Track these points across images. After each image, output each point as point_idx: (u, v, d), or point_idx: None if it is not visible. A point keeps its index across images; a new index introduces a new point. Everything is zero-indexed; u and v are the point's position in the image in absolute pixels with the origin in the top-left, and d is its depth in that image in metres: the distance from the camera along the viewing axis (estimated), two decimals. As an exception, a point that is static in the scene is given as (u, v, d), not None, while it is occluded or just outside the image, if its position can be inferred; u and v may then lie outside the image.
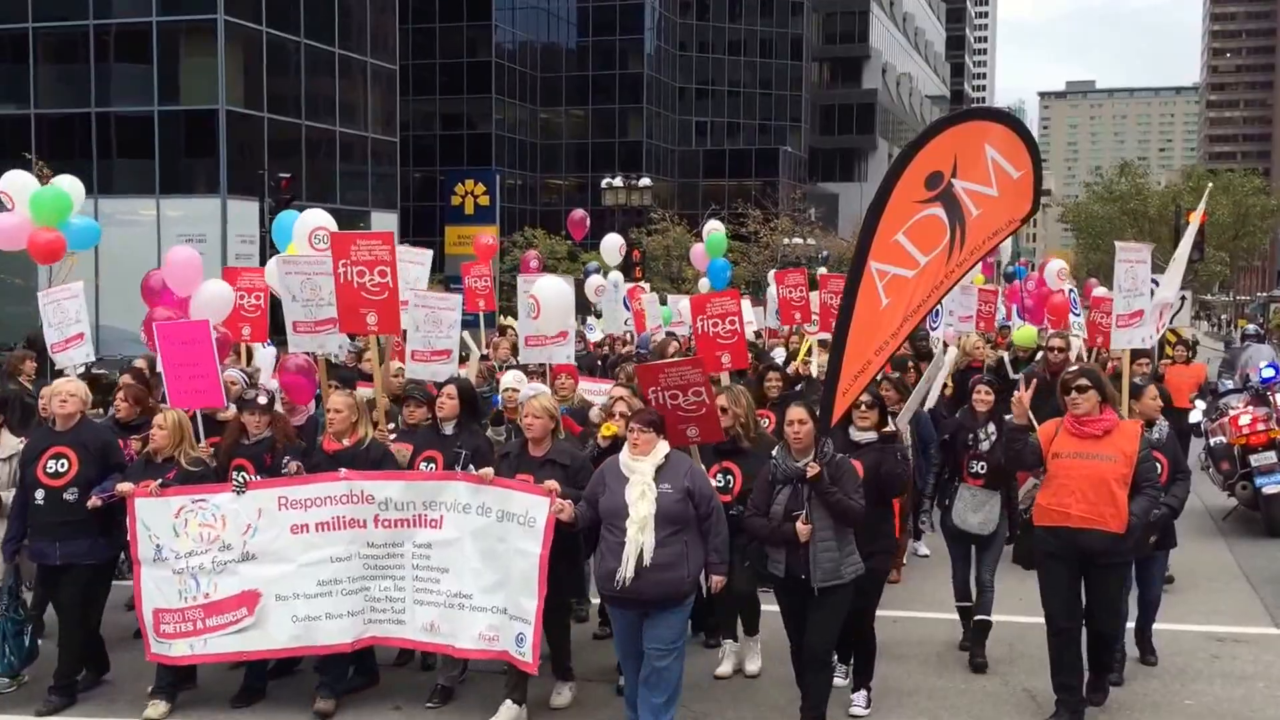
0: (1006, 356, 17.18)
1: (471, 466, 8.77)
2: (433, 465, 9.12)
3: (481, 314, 18.65)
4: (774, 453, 8.14)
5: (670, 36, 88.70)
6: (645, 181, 52.00)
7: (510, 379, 11.40)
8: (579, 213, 36.07)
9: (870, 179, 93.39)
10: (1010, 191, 7.80)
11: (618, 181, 49.57)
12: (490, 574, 8.44)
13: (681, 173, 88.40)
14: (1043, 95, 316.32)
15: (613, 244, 27.22)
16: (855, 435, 8.77)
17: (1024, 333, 18.77)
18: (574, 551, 8.84)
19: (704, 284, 23.12)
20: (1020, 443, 8.45)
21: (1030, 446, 8.41)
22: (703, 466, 8.85)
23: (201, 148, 46.66)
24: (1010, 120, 8.09)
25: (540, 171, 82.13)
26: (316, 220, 12.11)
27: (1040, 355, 15.28)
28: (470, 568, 8.51)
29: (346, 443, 9.04)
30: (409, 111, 65.72)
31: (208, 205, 45.34)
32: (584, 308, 24.69)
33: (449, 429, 9.29)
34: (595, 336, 22.91)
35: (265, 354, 13.56)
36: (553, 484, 8.24)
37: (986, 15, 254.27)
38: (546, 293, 12.19)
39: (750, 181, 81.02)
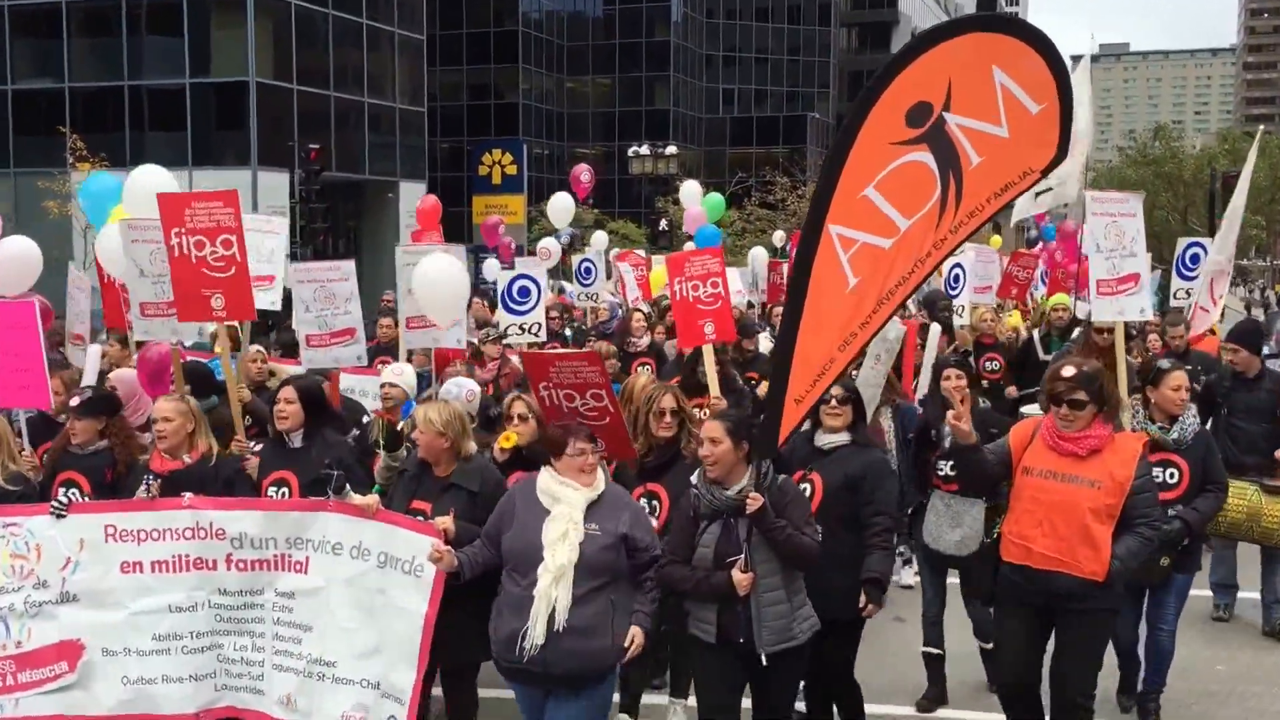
0: (1037, 334, 14.45)
1: (349, 490, 6.76)
2: (285, 491, 7.29)
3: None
4: (693, 479, 6.38)
5: (697, 3, 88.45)
6: (672, 149, 52.17)
7: (390, 372, 9.41)
8: (581, 168, 32.75)
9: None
10: (1026, 132, 5.73)
11: (644, 150, 49.80)
12: (363, 636, 6.72)
13: (708, 141, 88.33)
14: (1074, 59, 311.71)
15: (561, 205, 25.21)
16: (822, 439, 7.09)
17: (1052, 302, 15.72)
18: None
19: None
20: (971, 461, 6.71)
21: (991, 457, 6.66)
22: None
23: (232, 120, 47.16)
24: (1029, 33, 5.80)
25: (567, 140, 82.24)
26: (156, 180, 9.28)
27: (1079, 333, 12.72)
28: (338, 627, 6.77)
29: (187, 459, 7.39)
30: (436, 82, 65.97)
31: (239, 177, 45.66)
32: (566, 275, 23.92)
33: (296, 441, 7.44)
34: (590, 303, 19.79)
35: (91, 351, 10.72)
36: (445, 521, 6.52)
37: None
38: (431, 272, 10.15)
39: (778, 149, 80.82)
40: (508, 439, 7.31)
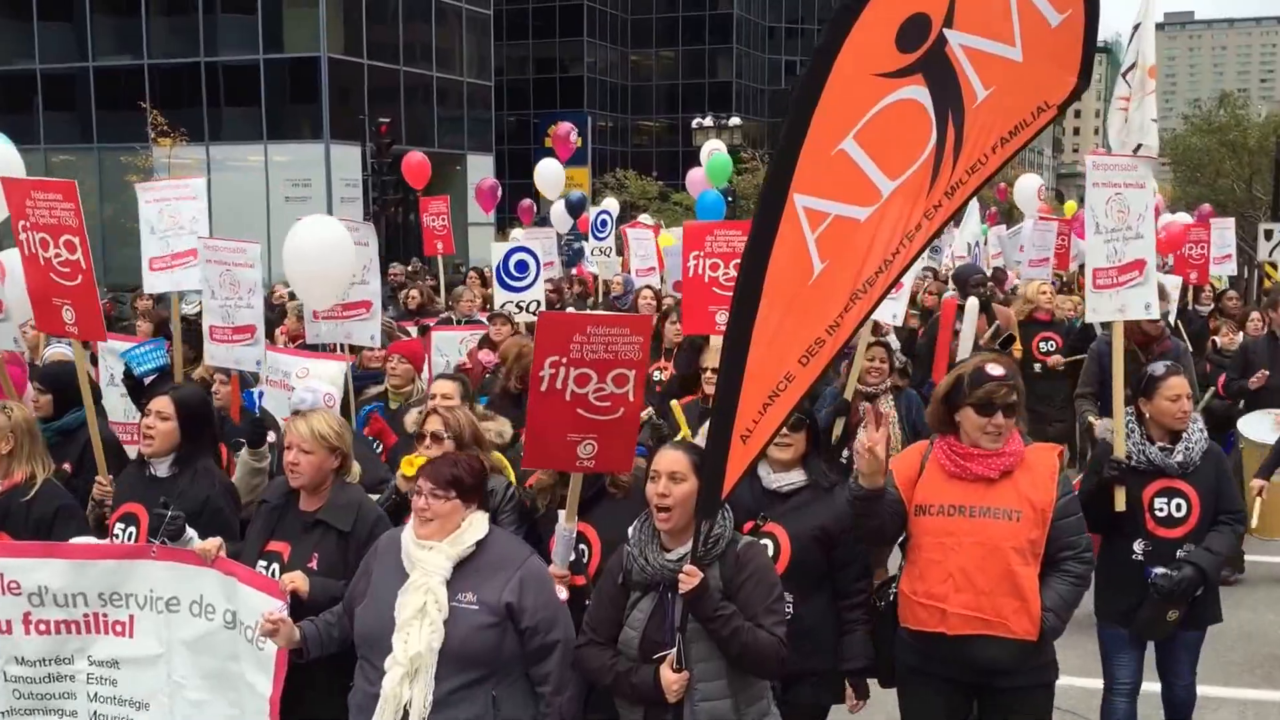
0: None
1: (192, 534, 5.37)
2: (133, 532, 5.76)
3: (440, 258, 16.51)
4: (630, 531, 4.79)
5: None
6: (735, 121, 52.54)
7: (295, 376, 8.19)
8: (565, 126, 28.90)
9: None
10: (1044, 52, 4.38)
11: (708, 121, 50.20)
12: (215, 713, 5.38)
13: (771, 112, 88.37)
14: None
15: (550, 171, 22.17)
16: (773, 478, 5.42)
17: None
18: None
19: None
20: (875, 512, 5.02)
21: (888, 508, 5.05)
22: (570, 533, 5.28)
23: (305, 94, 48.00)
24: None
25: (631, 113, 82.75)
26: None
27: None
28: (186, 701, 5.42)
29: None
30: (503, 56, 66.67)
31: (312, 150, 46.75)
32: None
33: (162, 469, 5.85)
34: (605, 274, 17.87)
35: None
36: (293, 579, 5.05)
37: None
38: (310, 244, 8.47)
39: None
40: (411, 465, 5.45)
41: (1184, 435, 6.06)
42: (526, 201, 25.03)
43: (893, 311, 9.11)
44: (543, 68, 77.58)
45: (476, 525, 4.67)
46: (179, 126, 41.18)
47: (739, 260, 7.33)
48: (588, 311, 10.44)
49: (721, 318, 7.93)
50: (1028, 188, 24.49)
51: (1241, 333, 12.38)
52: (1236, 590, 9.52)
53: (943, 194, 4.43)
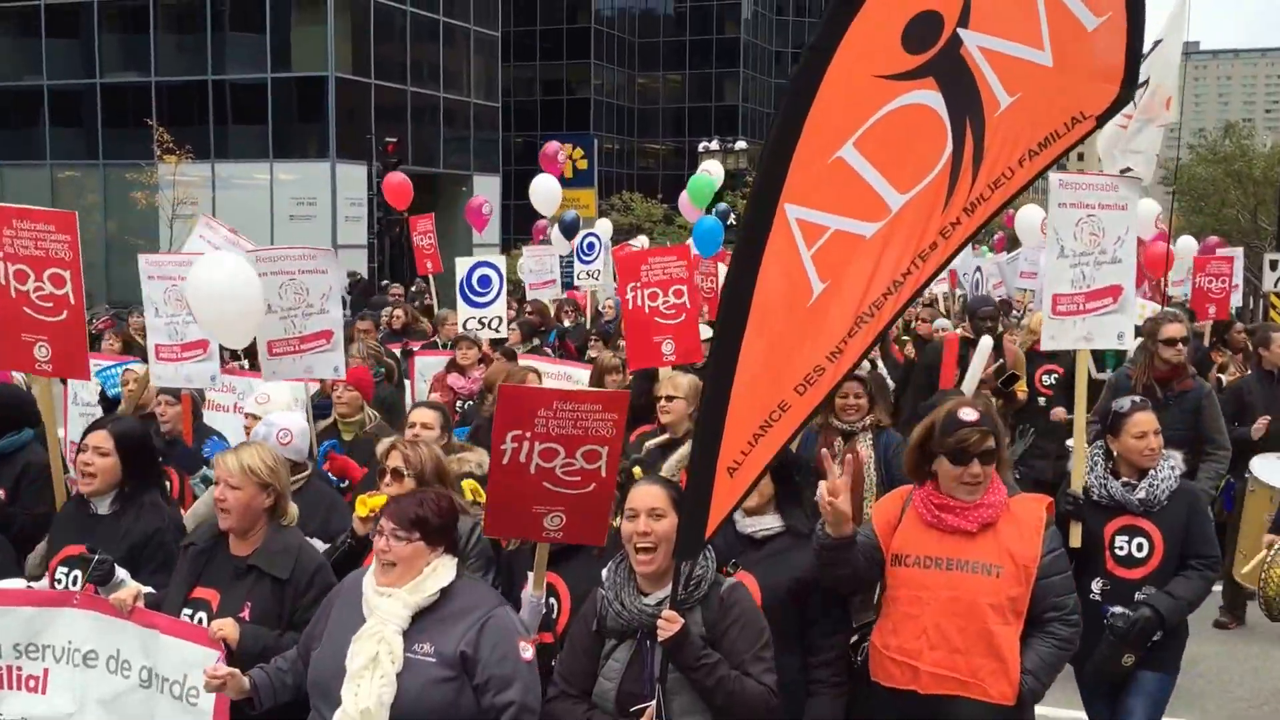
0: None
1: (123, 577, 5.05)
2: (77, 575, 5.26)
3: (431, 277, 16.00)
4: (604, 574, 4.49)
5: (767, 0, 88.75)
6: (741, 145, 52.58)
7: (253, 402, 7.48)
8: (553, 146, 26.22)
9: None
10: (1079, 58, 4.00)
11: (714, 145, 50.23)
12: None
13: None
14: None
15: (545, 188, 20.81)
16: (745, 523, 4.96)
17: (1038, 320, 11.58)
18: None
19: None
20: (841, 560, 4.69)
21: (859, 557, 4.74)
22: (537, 601, 4.90)
23: (312, 113, 47.95)
24: None
25: (637, 136, 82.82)
26: None
27: (1138, 349, 8.77)
28: None
29: None
30: (510, 77, 66.72)
31: (318, 169, 46.69)
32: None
33: (104, 506, 5.53)
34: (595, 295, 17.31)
35: None
36: (223, 627, 4.68)
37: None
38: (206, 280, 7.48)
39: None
40: (370, 504, 5.11)
41: (1150, 472, 5.76)
42: (541, 222, 24.82)
43: None
44: (550, 89, 77.69)
45: (441, 571, 4.27)
46: (185, 144, 41.15)
47: (678, 287, 7.49)
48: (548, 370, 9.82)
49: (668, 348, 7.75)
50: (1029, 219, 23.71)
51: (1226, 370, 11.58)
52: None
53: (961, 210, 4.03)
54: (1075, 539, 5.81)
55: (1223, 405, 9.52)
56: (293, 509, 5.10)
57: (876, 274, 4.04)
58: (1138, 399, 6.12)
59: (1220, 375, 11.69)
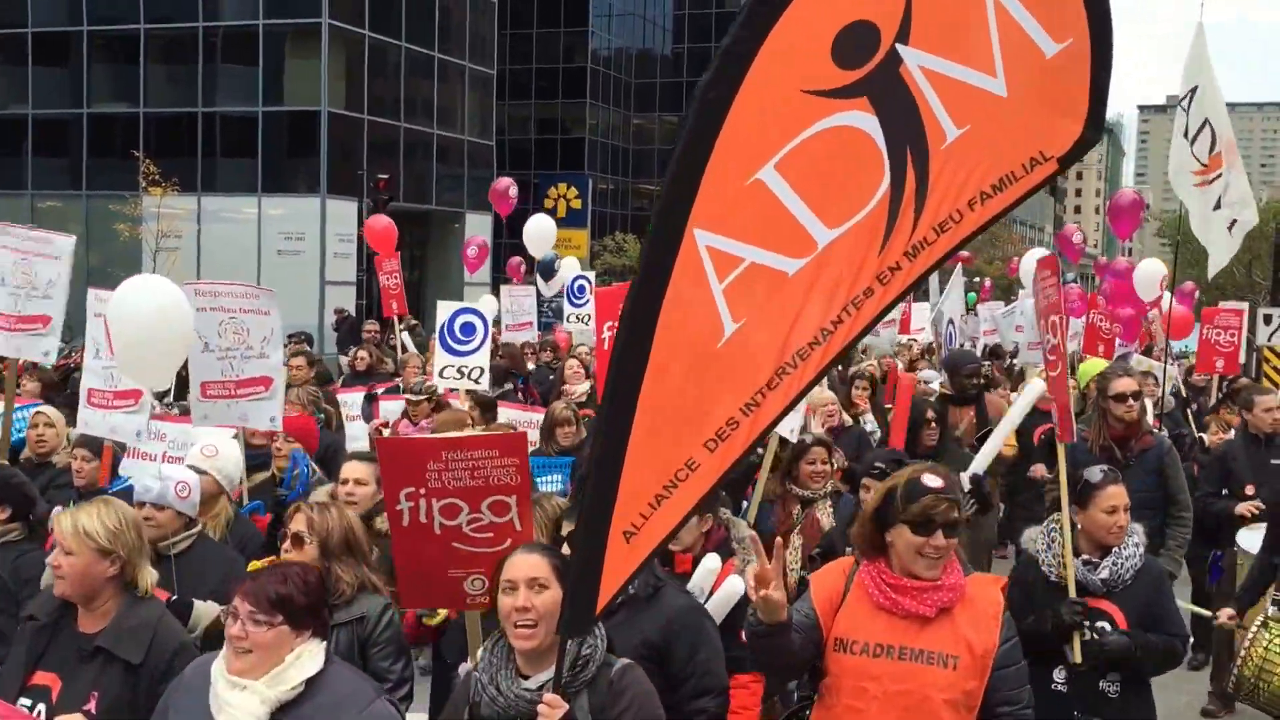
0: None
1: None
2: None
3: (396, 319, 15.51)
4: (478, 654, 4.06)
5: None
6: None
7: (198, 454, 6.44)
8: (504, 181, 24.67)
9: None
10: (1037, 88, 3.43)
11: (709, 188, 49.82)
12: None
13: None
14: (1142, 109, 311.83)
15: (538, 229, 20.17)
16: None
17: (1091, 366, 12.40)
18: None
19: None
20: (775, 648, 4.12)
21: (797, 636, 4.17)
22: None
23: (303, 148, 47.41)
24: None
25: (632, 176, 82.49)
26: None
27: (1092, 409, 8.62)
28: None
29: None
30: (505, 115, 66.37)
31: (308, 204, 46.15)
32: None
33: None
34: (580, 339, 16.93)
35: None
36: None
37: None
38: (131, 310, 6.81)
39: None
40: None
41: (1114, 550, 5.35)
42: (515, 259, 24.18)
43: (790, 426, 6.94)
44: (544, 128, 77.41)
45: (307, 659, 3.69)
46: (172, 176, 40.60)
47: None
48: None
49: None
50: (1032, 266, 23.41)
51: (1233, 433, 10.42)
52: None
53: (902, 254, 3.47)
54: (1077, 655, 5.26)
55: (1208, 471, 9.10)
56: (147, 578, 4.43)
57: (801, 319, 3.50)
58: (1107, 469, 5.63)
59: (1202, 434, 10.92)
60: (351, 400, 11.84)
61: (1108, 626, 5.25)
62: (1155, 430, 8.15)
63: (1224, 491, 8.73)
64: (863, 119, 3.40)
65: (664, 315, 3.43)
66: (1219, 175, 10.22)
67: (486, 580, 4.23)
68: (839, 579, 4.35)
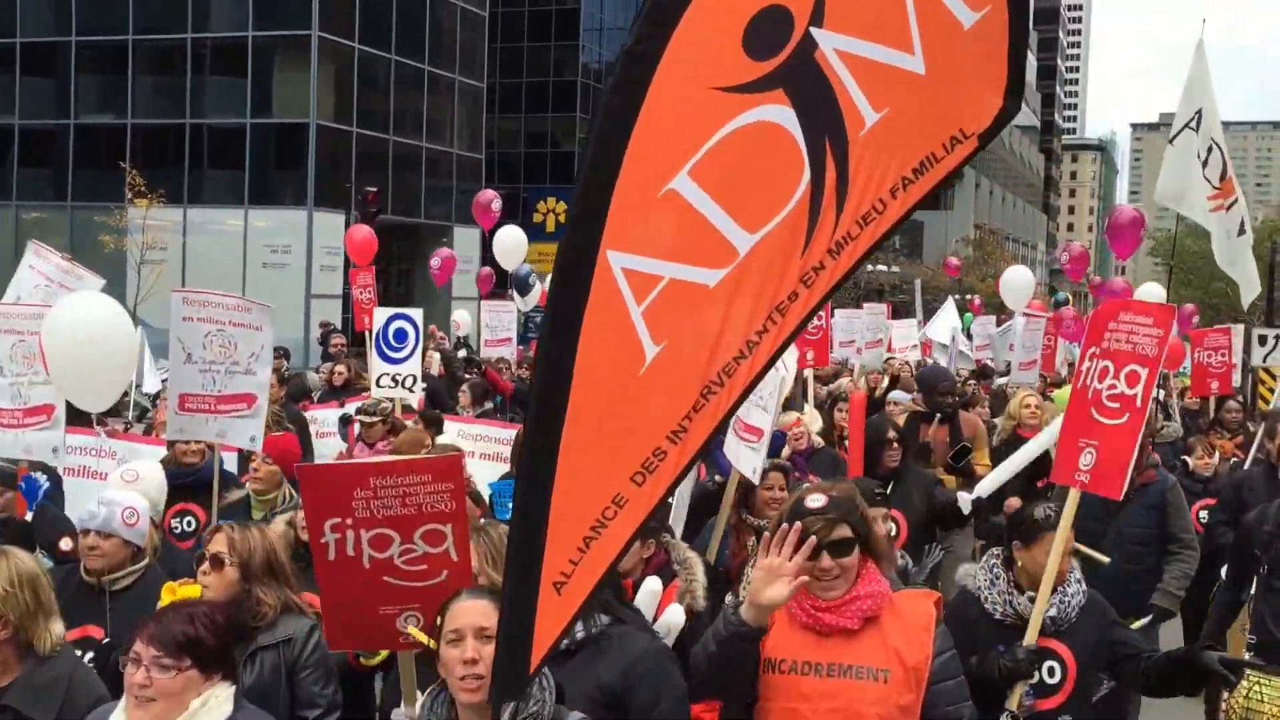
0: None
1: None
2: None
3: (368, 333, 14.27)
4: (417, 710, 3.70)
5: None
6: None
7: (118, 478, 6.25)
8: (487, 194, 25.25)
9: (957, 209, 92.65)
10: (957, 65, 3.22)
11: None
12: None
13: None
14: (1135, 127, 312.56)
15: (507, 240, 20.46)
16: None
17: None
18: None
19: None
20: (740, 661, 3.94)
21: (751, 658, 3.96)
22: None
23: (291, 160, 47.33)
24: None
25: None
26: None
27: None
28: None
29: None
30: (494, 129, 66.27)
31: (294, 216, 45.97)
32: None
33: None
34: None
35: None
36: None
37: (1079, 45, 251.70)
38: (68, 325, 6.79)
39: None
40: (174, 592, 4.44)
41: (1059, 589, 5.09)
42: (485, 270, 23.85)
43: (752, 465, 6.64)
44: (534, 142, 77.27)
45: (214, 705, 3.42)
46: (158, 188, 40.35)
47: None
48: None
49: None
50: (1014, 281, 22.78)
51: (1218, 456, 10.08)
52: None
53: (825, 252, 3.23)
54: (1014, 702, 4.98)
55: (1222, 502, 8.60)
56: (52, 633, 4.05)
57: (725, 333, 3.23)
58: (1053, 509, 5.26)
59: (1187, 458, 10.12)
60: (324, 417, 11.61)
61: (1057, 668, 5.04)
62: (1158, 465, 7.82)
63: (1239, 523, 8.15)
64: (779, 113, 3.17)
65: (582, 349, 3.17)
66: (1235, 200, 9.93)
67: (420, 618, 3.89)
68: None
